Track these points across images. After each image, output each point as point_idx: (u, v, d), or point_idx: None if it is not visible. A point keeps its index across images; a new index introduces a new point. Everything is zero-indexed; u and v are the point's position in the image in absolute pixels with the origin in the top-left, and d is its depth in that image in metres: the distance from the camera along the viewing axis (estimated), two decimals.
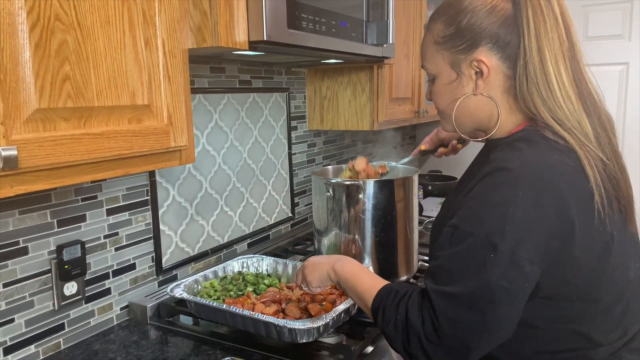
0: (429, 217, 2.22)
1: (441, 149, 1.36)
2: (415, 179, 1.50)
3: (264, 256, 1.47)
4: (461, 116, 0.93)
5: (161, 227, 1.42)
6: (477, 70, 0.87)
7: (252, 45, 1.06)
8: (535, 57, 0.82)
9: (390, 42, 1.51)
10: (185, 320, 1.31)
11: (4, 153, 0.68)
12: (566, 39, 0.84)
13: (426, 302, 0.80)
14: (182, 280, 1.28)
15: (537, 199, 0.76)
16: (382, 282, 0.92)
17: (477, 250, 0.77)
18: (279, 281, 1.39)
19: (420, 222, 2.03)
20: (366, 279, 0.95)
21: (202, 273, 1.34)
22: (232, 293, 1.29)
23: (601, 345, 0.84)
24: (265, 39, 1.03)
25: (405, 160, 1.46)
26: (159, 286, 1.42)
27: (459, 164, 3.36)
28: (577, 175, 0.80)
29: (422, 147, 1.37)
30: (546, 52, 0.82)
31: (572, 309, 0.83)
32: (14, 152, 0.69)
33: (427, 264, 1.62)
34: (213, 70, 1.56)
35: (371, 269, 1.44)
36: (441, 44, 0.90)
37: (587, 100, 0.84)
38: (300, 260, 1.53)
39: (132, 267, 1.35)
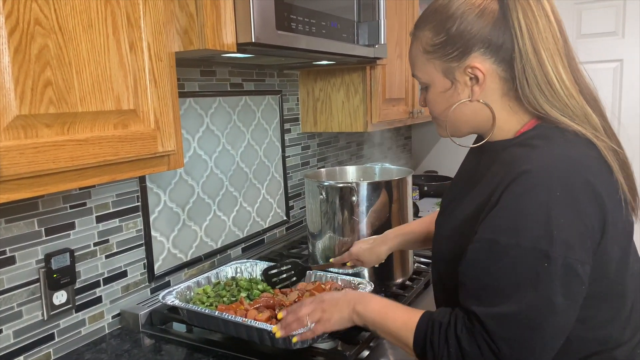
0: None
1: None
2: (409, 180, 1.48)
3: (257, 261, 1.45)
4: (457, 122, 0.90)
5: (153, 233, 1.40)
6: (472, 76, 0.85)
7: (241, 48, 1.05)
8: (533, 59, 0.80)
9: (382, 42, 1.50)
10: (178, 327, 1.28)
11: None
12: (560, 36, 0.83)
13: (478, 328, 0.76)
14: (175, 287, 1.26)
15: (575, 196, 0.74)
16: (415, 314, 0.86)
17: (526, 261, 0.73)
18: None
19: None
20: (397, 315, 0.88)
21: (194, 279, 1.32)
22: (225, 299, 1.27)
23: (619, 345, 0.84)
24: (253, 40, 1.02)
25: (325, 264, 1.40)
26: (151, 293, 1.40)
27: (455, 164, 3.33)
28: (601, 167, 0.79)
29: (348, 264, 1.33)
30: (542, 53, 0.80)
31: (600, 309, 0.81)
32: None
33: (425, 267, 1.61)
34: (203, 74, 1.54)
35: (366, 272, 1.42)
36: (431, 53, 0.87)
37: (587, 95, 0.84)
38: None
39: (124, 274, 1.33)
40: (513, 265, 0.74)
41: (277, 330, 1.00)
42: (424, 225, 1.28)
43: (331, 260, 1.37)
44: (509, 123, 0.87)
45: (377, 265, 1.32)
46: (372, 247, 1.30)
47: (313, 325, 0.97)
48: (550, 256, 0.72)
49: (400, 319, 0.87)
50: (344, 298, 0.96)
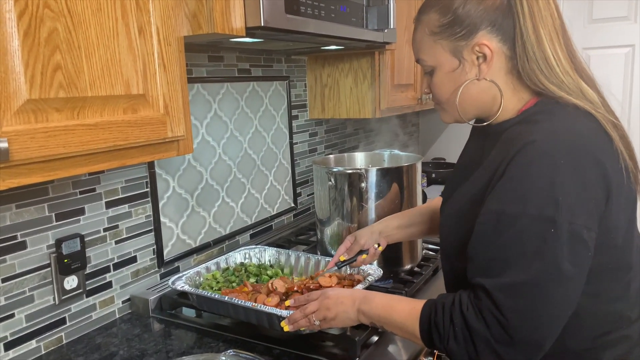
0: None
1: (361, 257, 1.22)
2: (419, 166, 1.47)
3: (266, 247, 1.45)
4: (464, 103, 0.91)
5: (162, 219, 1.40)
6: (480, 54, 0.86)
7: (249, 32, 1.04)
8: (532, 36, 0.83)
9: (392, 27, 1.48)
10: (188, 312, 1.29)
11: None
12: (557, 16, 0.85)
13: (485, 302, 0.76)
14: (184, 273, 1.27)
15: (579, 164, 0.75)
16: (419, 303, 0.86)
17: (533, 229, 0.74)
18: (282, 272, 1.37)
19: None
20: (401, 307, 0.89)
21: (204, 265, 1.33)
22: (234, 284, 1.27)
23: (632, 323, 0.85)
24: (262, 24, 1.01)
25: (325, 273, 1.24)
26: (160, 279, 1.41)
27: (461, 151, 3.32)
28: (601, 137, 0.81)
29: (341, 257, 1.24)
30: (541, 31, 0.83)
31: (610, 282, 0.82)
32: (5, 145, 0.67)
33: (433, 253, 1.60)
34: (211, 59, 1.53)
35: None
36: (438, 34, 0.88)
37: (582, 74, 0.86)
38: (304, 251, 1.51)
39: (133, 259, 1.33)
40: (520, 234, 0.75)
41: (285, 325, 1.02)
42: (408, 214, 1.28)
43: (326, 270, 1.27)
44: (512, 102, 0.89)
45: (376, 247, 1.23)
46: (369, 226, 1.27)
47: (318, 322, 0.98)
48: (556, 222, 0.73)
49: (405, 309, 0.88)
50: (350, 298, 0.96)
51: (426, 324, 0.83)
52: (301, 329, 1.02)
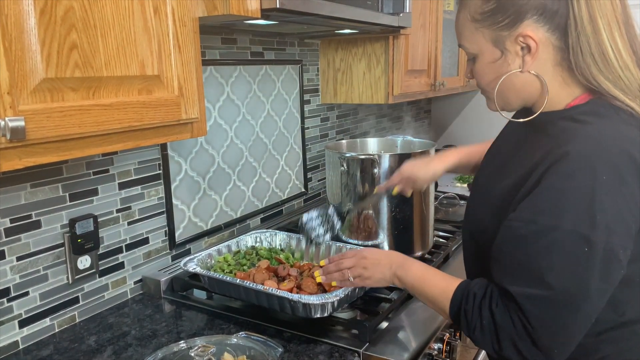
0: (444, 192, 2.19)
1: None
2: (432, 153, 1.46)
3: (277, 231, 1.45)
4: (507, 93, 0.86)
5: (174, 201, 1.41)
6: (524, 45, 0.80)
7: (265, 14, 1.02)
8: (587, 26, 0.76)
9: (407, 10, 1.46)
10: (199, 294, 1.30)
11: (11, 124, 0.66)
12: (619, 2, 0.78)
13: (513, 305, 0.76)
14: (196, 255, 1.27)
15: (622, 179, 0.71)
16: (453, 282, 0.87)
17: (565, 245, 0.71)
18: (293, 256, 1.38)
19: (436, 198, 2.00)
20: (435, 282, 0.90)
21: (215, 247, 1.33)
22: (245, 267, 1.28)
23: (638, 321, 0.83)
24: (277, 6, 1.00)
25: (369, 199, 1.28)
26: (172, 260, 1.42)
27: (475, 139, 3.31)
28: None
29: (395, 189, 1.24)
30: (599, 20, 0.76)
31: (632, 295, 0.80)
32: (22, 123, 0.67)
33: (444, 240, 1.60)
34: (224, 42, 1.52)
35: (386, 244, 1.42)
36: (480, 21, 0.83)
37: None
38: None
39: (145, 241, 1.34)
40: (551, 247, 0.72)
41: (319, 275, 1.06)
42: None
43: (375, 190, 1.30)
44: (560, 96, 0.83)
45: (431, 185, 1.23)
46: (428, 163, 1.25)
47: (352, 279, 1.01)
48: (591, 240, 0.70)
49: (439, 286, 0.89)
50: (387, 260, 0.99)
51: (456, 307, 0.84)
52: (332, 284, 1.06)
